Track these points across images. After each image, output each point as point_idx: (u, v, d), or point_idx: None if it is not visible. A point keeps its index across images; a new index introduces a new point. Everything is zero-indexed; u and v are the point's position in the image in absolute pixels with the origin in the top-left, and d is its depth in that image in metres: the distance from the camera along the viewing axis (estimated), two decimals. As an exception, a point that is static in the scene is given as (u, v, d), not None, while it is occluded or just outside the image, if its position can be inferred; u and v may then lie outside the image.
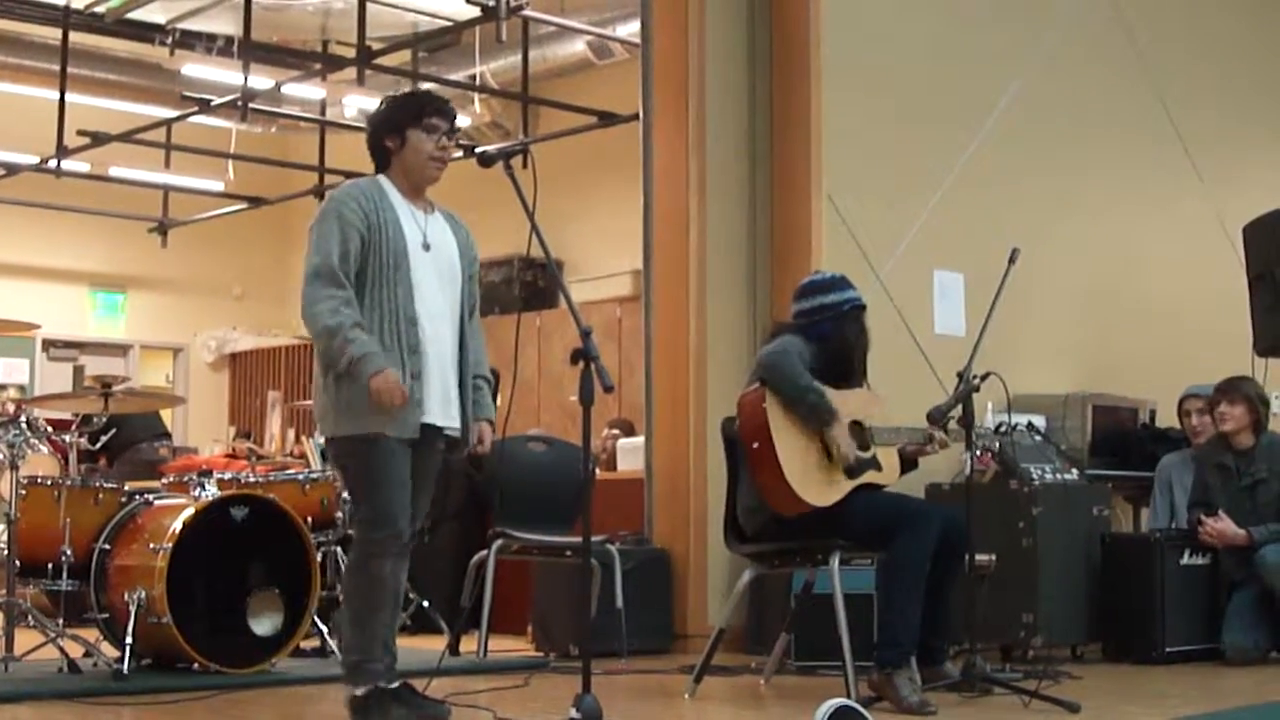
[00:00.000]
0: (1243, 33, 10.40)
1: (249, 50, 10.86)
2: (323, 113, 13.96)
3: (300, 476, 7.23)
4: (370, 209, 4.89)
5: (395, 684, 4.92)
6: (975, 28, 8.72)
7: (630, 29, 11.24)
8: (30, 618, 6.25)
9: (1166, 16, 9.77)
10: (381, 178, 5.03)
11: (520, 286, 13.79)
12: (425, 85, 11.41)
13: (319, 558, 6.39)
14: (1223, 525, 7.24)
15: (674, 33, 8.05)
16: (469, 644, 7.20)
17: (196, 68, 13.02)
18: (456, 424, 5.02)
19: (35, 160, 13.19)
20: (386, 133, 5.03)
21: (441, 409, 4.96)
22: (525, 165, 4.94)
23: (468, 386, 5.06)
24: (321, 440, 6.20)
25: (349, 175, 5.24)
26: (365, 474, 4.87)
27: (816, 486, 5.57)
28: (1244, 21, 10.43)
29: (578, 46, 12.96)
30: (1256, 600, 7.15)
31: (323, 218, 4.89)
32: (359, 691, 4.82)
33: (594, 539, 5.40)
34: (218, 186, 15.23)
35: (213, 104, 12.02)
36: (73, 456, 6.74)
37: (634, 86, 8.38)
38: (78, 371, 16.56)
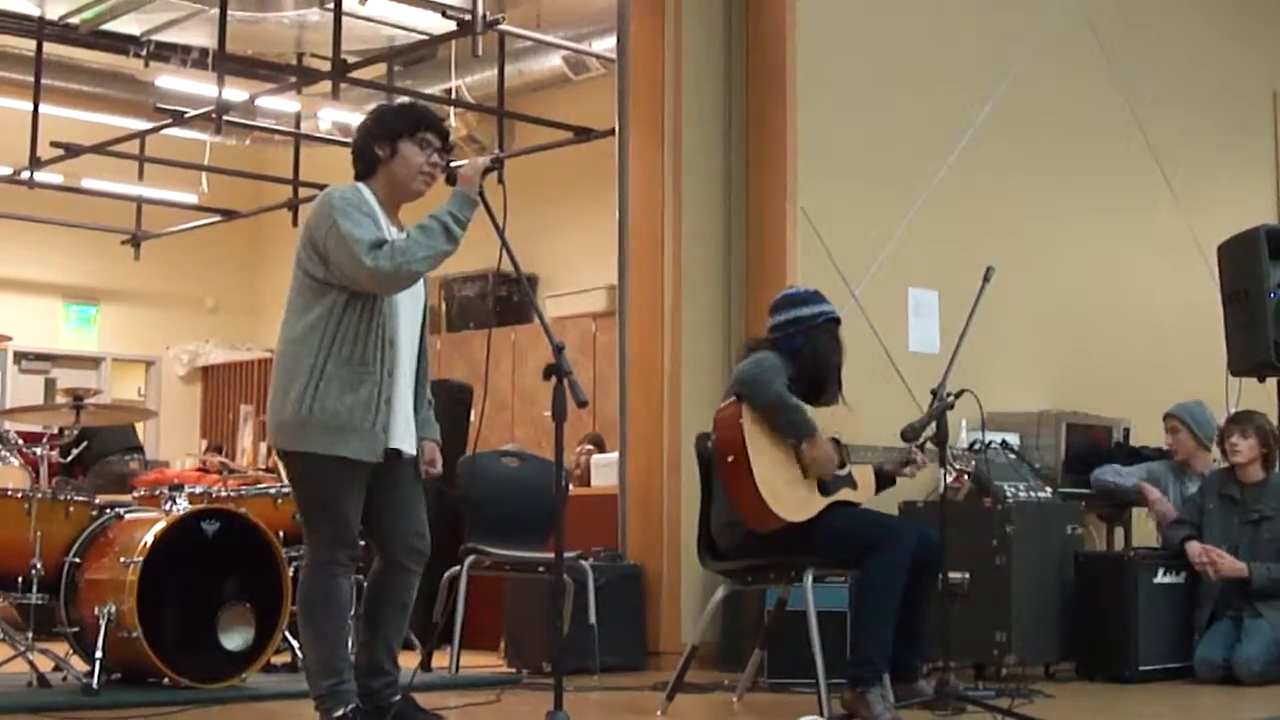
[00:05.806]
0: (1216, 48, 10.43)
1: (223, 63, 10.81)
2: (297, 126, 13.90)
3: (272, 491, 7.18)
4: (373, 215, 4.76)
5: (396, 698, 4.88)
6: (951, 46, 8.74)
7: (606, 44, 11.22)
8: (-1, 631, 6.22)
9: (1141, 33, 9.82)
10: (362, 186, 4.88)
11: (494, 301, 13.75)
12: (400, 99, 11.37)
13: (291, 572, 6.35)
14: (1220, 556, 7.15)
15: (650, 48, 8.05)
16: (441, 660, 7.17)
17: (171, 80, 12.96)
18: (413, 449, 4.95)
19: (8, 172, 13.10)
20: (378, 140, 4.88)
21: (404, 433, 4.88)
22: (500, 181, 4.88)
23: (423, 408, 5.01)
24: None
25: (323, 189, 5.16)
26: (332, 493, 4.75)
27: (791, 502, 5.55)
28: (1218, 36, 10.47)
29: (554, 61, 12.96)
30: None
31: (343, 214, 4.68)
32: (337, 714, 4.70)
33: (567, 555, 5.38)
34: (191, 199, 15.16)
35: (187, 116, 11.96)
36: (44, 469, 6.68)
37: (610, 102, 8.37)
38: (49, 384, 16.49)
